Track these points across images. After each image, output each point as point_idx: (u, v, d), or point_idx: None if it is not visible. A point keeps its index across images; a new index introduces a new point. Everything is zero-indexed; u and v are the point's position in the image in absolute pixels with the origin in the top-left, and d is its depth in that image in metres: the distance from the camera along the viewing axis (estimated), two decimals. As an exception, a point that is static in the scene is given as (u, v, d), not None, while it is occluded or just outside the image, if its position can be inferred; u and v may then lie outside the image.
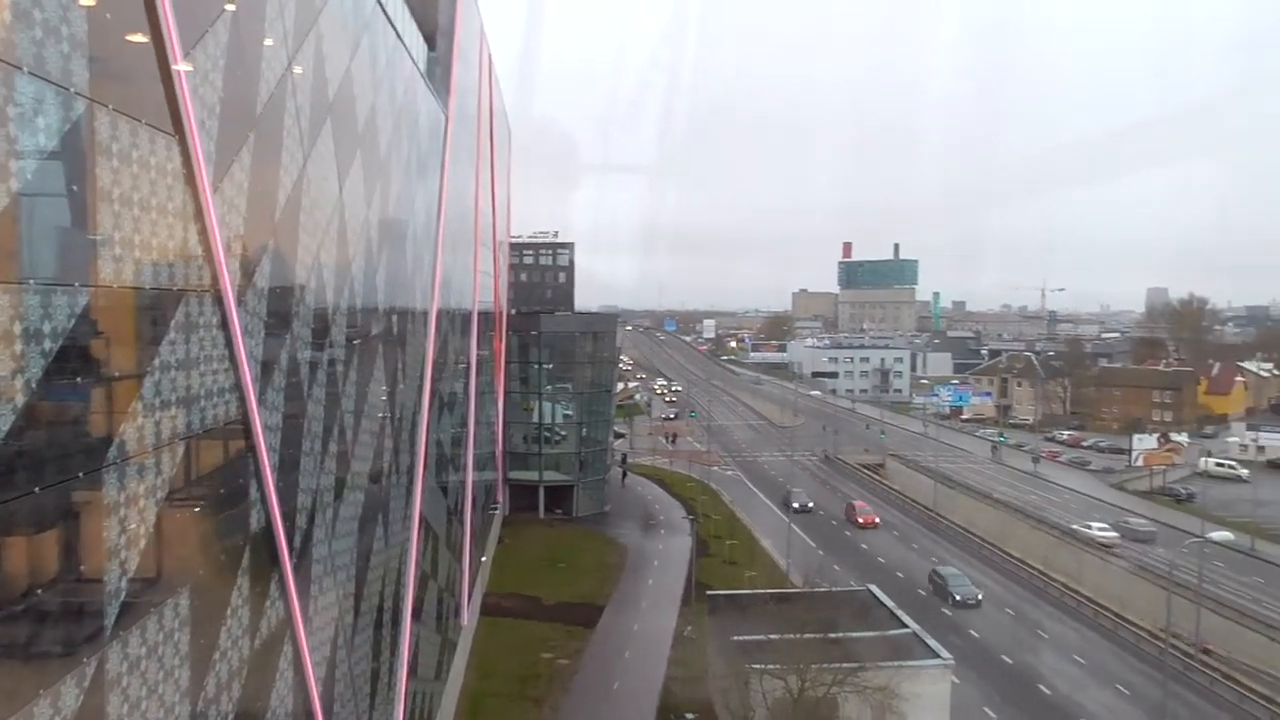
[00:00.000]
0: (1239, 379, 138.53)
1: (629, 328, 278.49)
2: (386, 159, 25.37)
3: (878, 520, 74.93)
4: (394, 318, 26.82)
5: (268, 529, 15.40)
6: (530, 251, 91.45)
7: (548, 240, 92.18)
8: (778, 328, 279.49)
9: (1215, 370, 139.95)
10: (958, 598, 55.47)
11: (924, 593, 56.89)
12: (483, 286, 54.53)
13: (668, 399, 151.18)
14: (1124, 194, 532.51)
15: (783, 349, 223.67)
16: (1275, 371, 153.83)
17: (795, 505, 74.88)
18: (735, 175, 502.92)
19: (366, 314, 23.03)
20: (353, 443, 21.19)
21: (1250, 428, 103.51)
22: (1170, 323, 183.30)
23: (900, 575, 60.25)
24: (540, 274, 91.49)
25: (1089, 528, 69.65)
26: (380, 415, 24.54)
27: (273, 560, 15.71)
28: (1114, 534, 68.98)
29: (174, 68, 11.78)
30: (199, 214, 12.60)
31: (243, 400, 14.16)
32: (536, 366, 75.80)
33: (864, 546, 68.31)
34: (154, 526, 11.39)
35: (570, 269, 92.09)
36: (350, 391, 21.12)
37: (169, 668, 11.71)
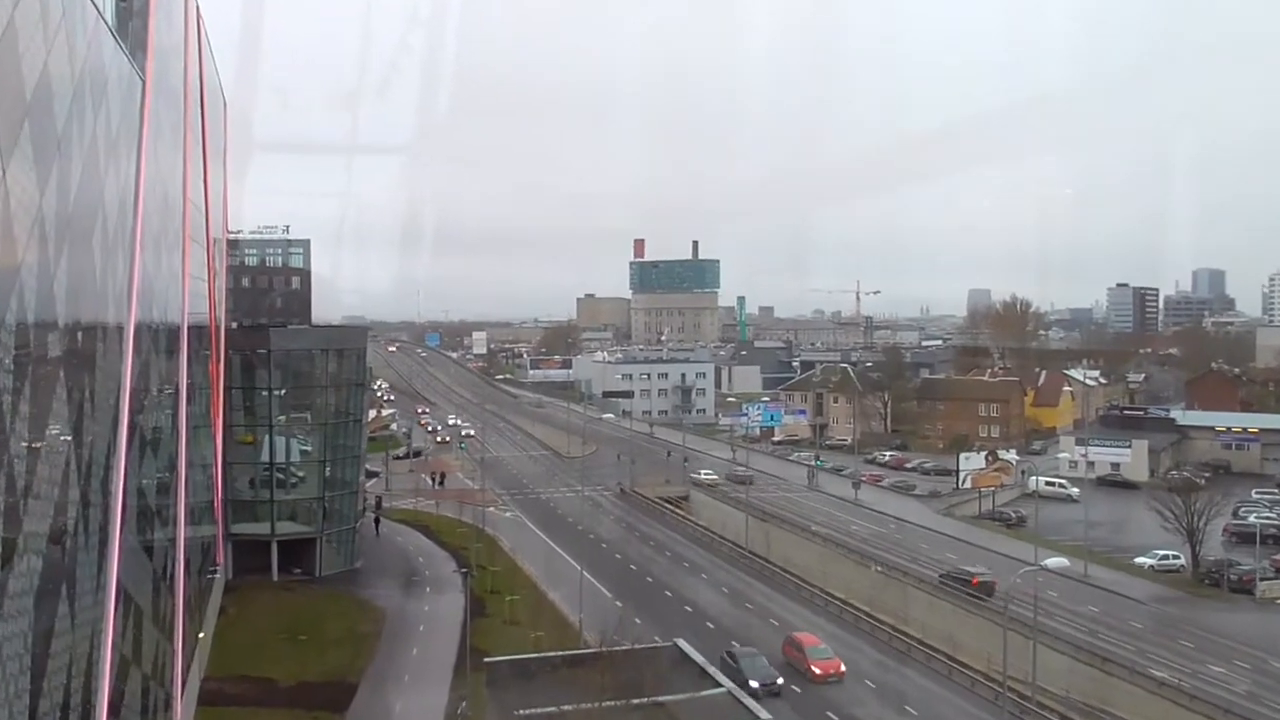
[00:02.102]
0: (1066, 388, 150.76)
1: (393, 349, 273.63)
2: (65, 133, 23.81)
3: (842, 667, 52.85)
4: (79, 335, 25.17)
5: (-92, 614, 14.04)
6: (255, 251, 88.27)
7: (277, 237, 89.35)
8: (561, 340, 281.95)
9: (1042, 379, 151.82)
10: None
11: None
12: (195, 295, 52.11)
13: (432, 427, 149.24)
14: (945, 191, 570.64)
15: (568, 365, 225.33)
16: (1101, 380, 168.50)
17: (756, 683, 48.12)
18: (514, 163, 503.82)
19: (41, 330, 21.49)
20: (25, 495, 19.68)
21: (1079, 442, 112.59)
22: (993, 328, 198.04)
23: None
24: (268, 279, 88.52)
25: (699, 474, 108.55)
26: (62, 459, 22.94)
27: (-85, 655, 14.32)
28: (716, 476, 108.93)
29: None
30: None
31: None
32: (265, 393, 73.01)
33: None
34: None
35: (306, 272, 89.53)
36: (20, 430, 19.62)
37: None
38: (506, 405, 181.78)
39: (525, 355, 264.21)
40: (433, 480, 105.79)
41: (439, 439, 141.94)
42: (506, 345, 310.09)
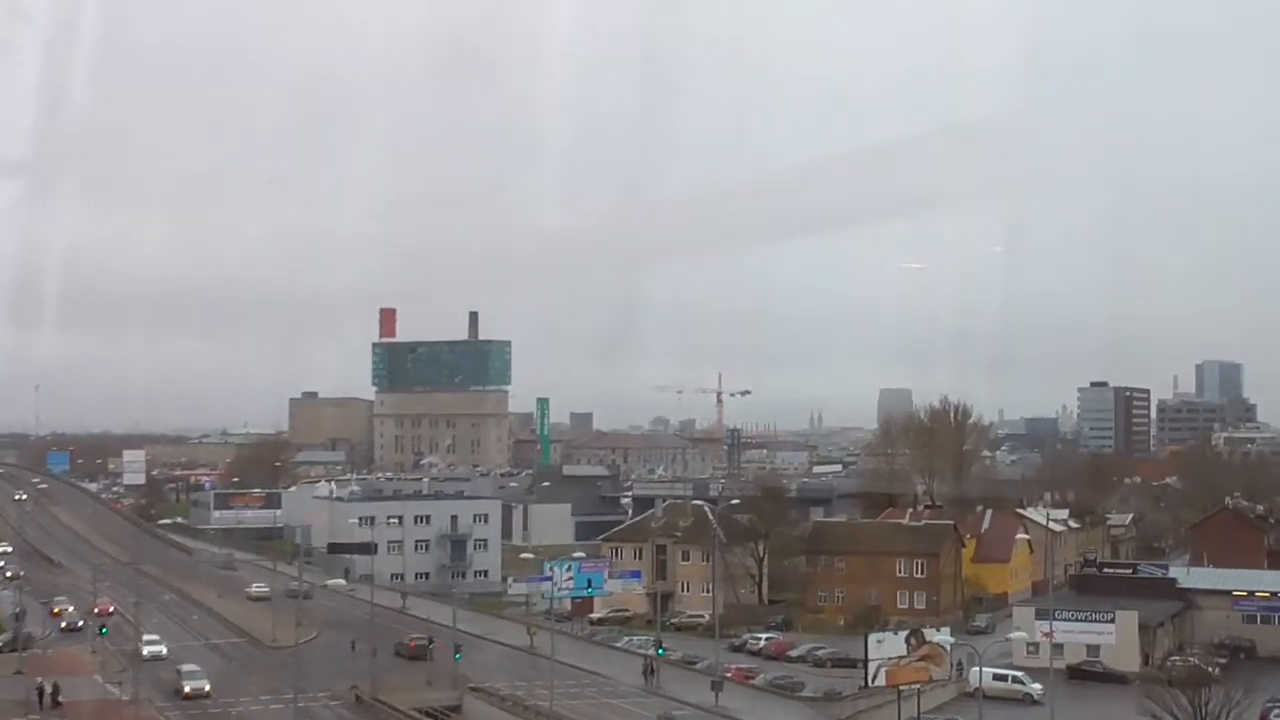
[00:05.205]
0: (1021, 535, 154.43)
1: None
2: None
3: None
4: None
5: None
6: None
7: None
8: (265, 464, 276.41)
9: (986, 522, 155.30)
10: None
11: None
12: None
13: (56, 605, 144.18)
14: (842, 252, 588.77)
15: (274, 503, 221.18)
16: (1071, 523, 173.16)
17: None
18: (194, 198, 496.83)
19: None
20: None
21: (1040, 614, 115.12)
22: (916, 446, 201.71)
23: None
24: None
25: (250, 587, 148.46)
26: None
27: None
28: (268, 589, 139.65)
29: None
30: None
31: None
32: None
33: None
34: None
35: None
36: None
37: None
38: (176, 566, 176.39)
39: (208, 487, 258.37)
40: (40, 696, 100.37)
41: (66, 622, 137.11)
42: (179, 472, 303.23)
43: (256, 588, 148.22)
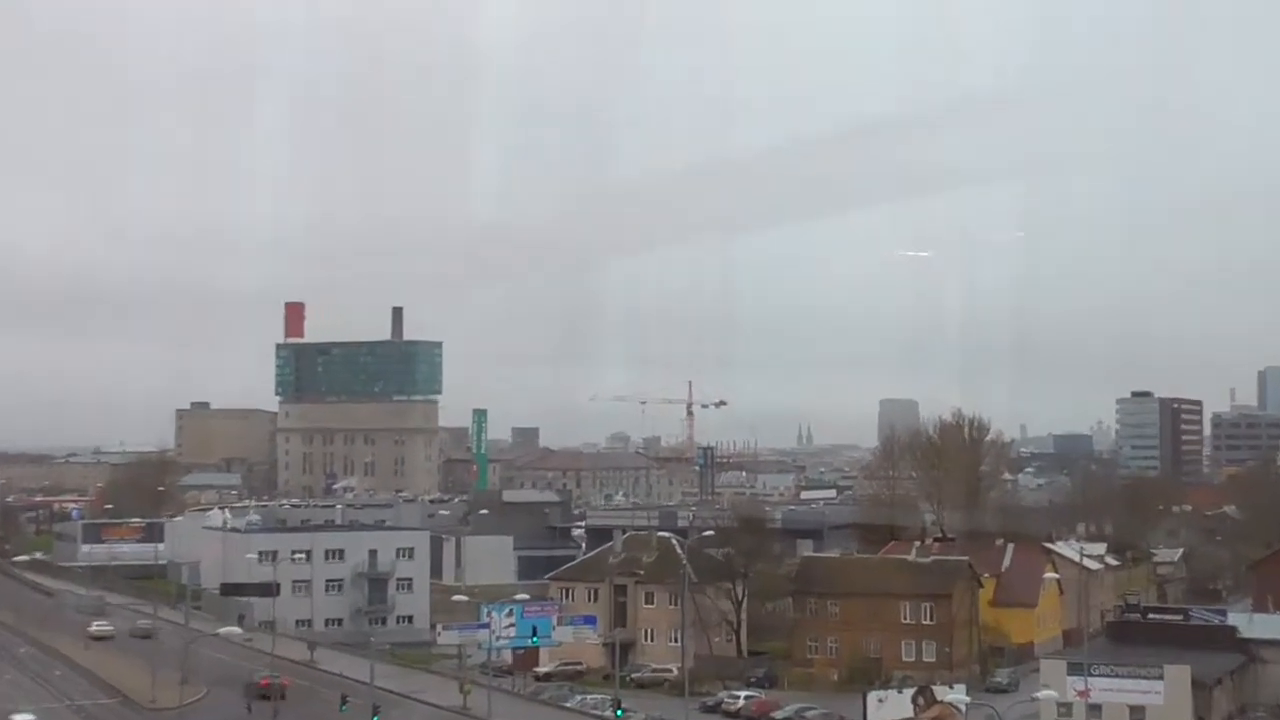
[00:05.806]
0: (1049, 574, 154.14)
1: None
2: None
3: None
4: None
5: None
6: None
7: None
8: (147, 489, 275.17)
9: (1008, 559, 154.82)
10: None
11: None
12: None
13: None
14: (834, 236, 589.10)
15: (157, 535, 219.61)
16: (1109, 559, 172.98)
17: None
18: (62, 175, 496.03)
19: None
20: None
21: (1073, 669, 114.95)
22: (924, 467, 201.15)
23: None
24: None
25: (92, 625, 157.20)
26: None
27: None
28: (110, 627, 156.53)
29: None
30: None
31: None
32: None
33: None
34: None
35: None
36: None
37: None
38: (36, 611, 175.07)
39: (75, 516, 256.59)
40: None
41: None
42: (40, 498, 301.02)
43: (97, 626, 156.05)
